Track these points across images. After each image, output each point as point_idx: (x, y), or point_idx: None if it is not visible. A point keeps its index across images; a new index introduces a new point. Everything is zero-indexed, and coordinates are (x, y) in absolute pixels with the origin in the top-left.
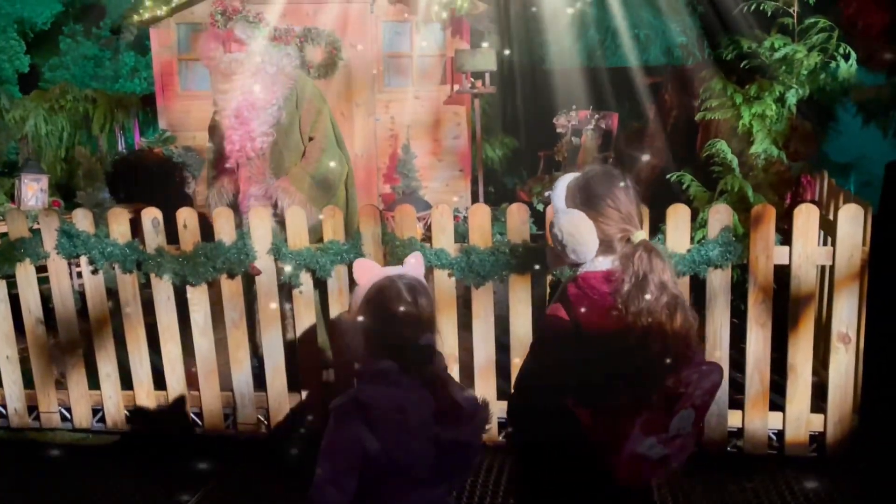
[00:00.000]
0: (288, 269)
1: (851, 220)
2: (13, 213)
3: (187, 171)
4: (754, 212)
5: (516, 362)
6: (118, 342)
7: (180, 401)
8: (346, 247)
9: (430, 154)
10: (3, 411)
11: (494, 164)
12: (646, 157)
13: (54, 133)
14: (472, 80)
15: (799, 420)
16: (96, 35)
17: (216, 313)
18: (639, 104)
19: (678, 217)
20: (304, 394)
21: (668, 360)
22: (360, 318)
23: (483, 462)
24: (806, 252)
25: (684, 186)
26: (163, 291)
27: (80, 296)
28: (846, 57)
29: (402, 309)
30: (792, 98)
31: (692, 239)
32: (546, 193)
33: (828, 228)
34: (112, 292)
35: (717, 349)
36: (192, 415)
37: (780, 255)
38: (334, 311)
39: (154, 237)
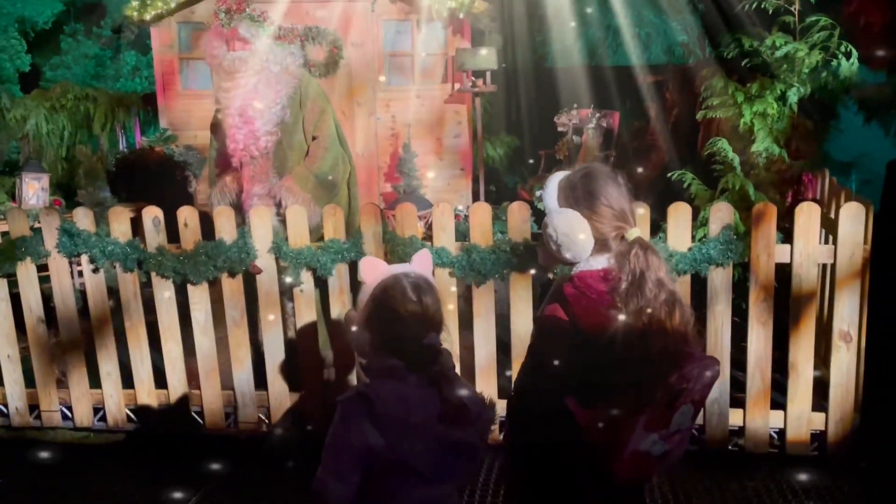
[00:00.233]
0: (289, 280)
1: (853, 219)
2: (14, 211)
3: (188, 169)
4: (755, 210)
5: (517, 361)
6: (119, 341)
7: (181, 400)
8: (347, 245)
9: (431, 153)
10: (5, 410)
11: (495, 163)
12: (647, 156)
13: (55, 132)
14: (473, 78)
15: (800, 419)
16: (97, 34)
17: (217, 312)
18: (640, 103)
19: (679, 215)
20: (304, 393)
21: (668, 357)
22: (366, 316)
23: (484, 462)
24: (807, 250)
25: (685, 185)
26: (164, 290)
27: (81, 294)
28: (847, 55)
29: (406, 308)
30: (793, 96)
31: (693, 237)
32: (537, 193)
33: (829, 227)
34: (113, 291)
35: (718, 347)
36: (193, 413)
37: (782, 253)
38: (335, 310)
39: (155, 236)
